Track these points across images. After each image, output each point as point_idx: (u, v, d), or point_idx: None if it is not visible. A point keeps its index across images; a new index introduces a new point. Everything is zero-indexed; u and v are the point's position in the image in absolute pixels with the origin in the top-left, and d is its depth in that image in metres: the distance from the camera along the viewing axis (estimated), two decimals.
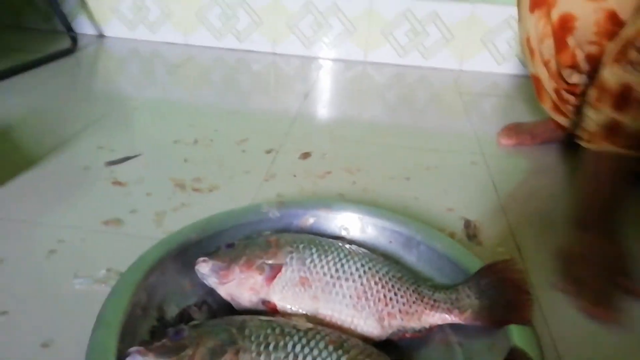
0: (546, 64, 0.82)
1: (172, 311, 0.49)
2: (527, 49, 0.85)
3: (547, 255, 0.62)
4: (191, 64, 1.35)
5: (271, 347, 0.39)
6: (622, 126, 0.62)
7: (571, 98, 0.82)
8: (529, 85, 0.94)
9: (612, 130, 0.63)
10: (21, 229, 0.62)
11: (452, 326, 0.49)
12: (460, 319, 0.48)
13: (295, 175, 0.79)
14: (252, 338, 0.40)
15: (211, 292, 0.51)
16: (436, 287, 0.51)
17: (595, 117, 0.64)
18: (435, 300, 0.49)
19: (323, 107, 1.13)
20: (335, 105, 1.16)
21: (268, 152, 0.86)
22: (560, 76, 0.81)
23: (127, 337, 0.42)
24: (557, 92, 0.84)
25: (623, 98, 0.62)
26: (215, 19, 1.43)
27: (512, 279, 0.49)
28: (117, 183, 0.73)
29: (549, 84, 0.84)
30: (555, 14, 0.76)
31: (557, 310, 0.54)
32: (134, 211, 0.67)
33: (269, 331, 0.41)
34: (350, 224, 0.61)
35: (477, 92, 1.25)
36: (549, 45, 0.79)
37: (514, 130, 0.95)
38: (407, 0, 1.34)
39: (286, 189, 0.74)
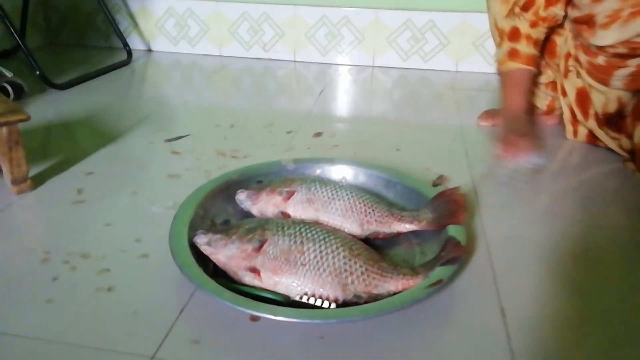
0: None
1: (219, 221, 0.72)
2: (495, 31, 1.05)
3: (496, 190, 0.82)
4: (225, 71, 1.60)
5: (286, 227, 0.61)
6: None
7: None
8: None
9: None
10: (110, 181, 0.86)
11: (413, 233, 0.70)
12: (418, 227, 0.69)
13: (309, 148, 1.01)
14: (274, 224, 0.62)
15: (246, 215, 0.73)
16: (404, 209, 0.72)
17: None
18: (402, 216, 0.70)
19: (335, 101, 1.35)
20: (346, 100, 1.39)
21: (289, 132, 1.09)
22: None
23: (192, 230, 0.64)
24: None
25: None
26: (245, 32, 1.69)
27: (456, 199, 0.70)
28: (174, 152, 0.98)
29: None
30: None
31: (494, 224, 0.74)
32: (188, 169, 0.90)
33: (284, 222, 0.63)
34: (347, 173, 0.83)
35: (470, 89, 1.46)
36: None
37: (490, 113, 1.15)
38: (408, 12, 1.56)
39: (302, 157, 0.97)
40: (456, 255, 0.59)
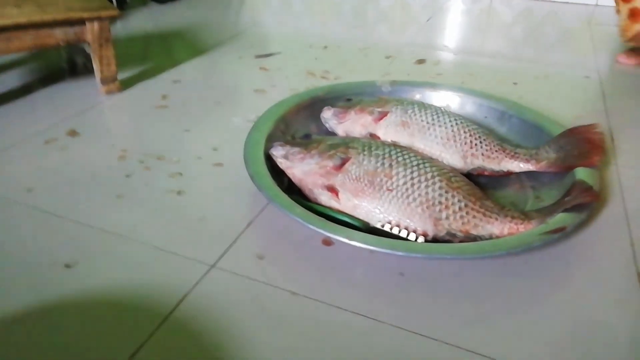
0: None
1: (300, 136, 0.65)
2: None
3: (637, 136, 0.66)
4: None
5: (374, 148, 0.52)
6: None
7: None
8: None
9: None
10: (195, 90, 0.82)
11: (528, 174, 0.57)
12: (535, 167, 0.56)
13: (409, 74, 0.90)
14: (361, 143, 0.53)
15: (331, 135, 0.65)
16: (519, 146, 0.59)
17: None
18: (515, 153, 0.58)
19: (443, 31, 1.19)
20: (456, 31, 1.22)
21: (387, 57, 0.97)
22: None
23: (270, 141, 0.58)
24: None
25: None
26: None
27: (590, 138, 0.56)
28: (263, 69, 0.91)
29: None
30: None
31: (633, 174, 0.59)
32: (274, 86, 0.84)
33: (372, 142, 0.54)
34: (452, 100, 0.71)
35: (611, 25, 1.21)
36: None
37: (635, 51, 0.93)
38: None
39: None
40: (586, 200, 0.47)
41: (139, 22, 1.19)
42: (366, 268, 0.45)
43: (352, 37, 1.11)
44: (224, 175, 0.59)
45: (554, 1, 1.37)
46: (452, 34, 1.19)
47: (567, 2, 1.37)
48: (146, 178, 0.58)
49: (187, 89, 0.82)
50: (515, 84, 0.86)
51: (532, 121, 0.64)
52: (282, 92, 0.81)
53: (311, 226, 0.44)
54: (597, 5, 1.34)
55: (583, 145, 0.55)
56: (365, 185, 0.48)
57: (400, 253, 0.41)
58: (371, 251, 0.43)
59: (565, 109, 0.76)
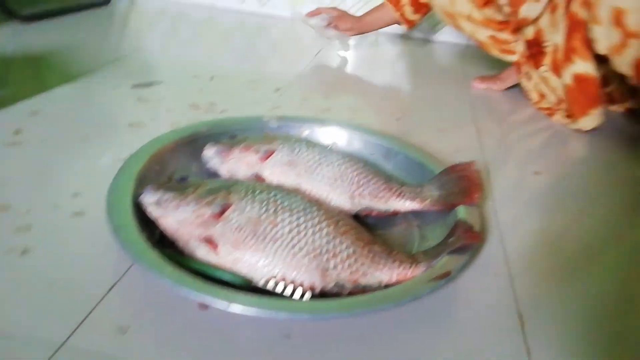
0: (469, 18, 0.97)
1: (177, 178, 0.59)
2: (447, 19, 1.02)
3: (507, 165, 0.70)
4: (213, 24, 1.45)
5: (257, 191, 0.48)
6: None
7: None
8: None
9: None
10: (57, 124, 0.72)
11: (414, 213, 0.58)
12: (420, 206, 0.56)
13: (298, 109, 0.88)
14: (244, 186, 0.49)
15: (213, 176, 0.60)
16: (404, 184, 0.59)
17: None
18: (401, 191, 0.58)
19: (333, 64, 1.21)
20: (345, 64, 1.25)
21: (277, 90, 0.95)
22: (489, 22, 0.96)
23: (141, 186, 0.51)
24: (491, 37, 0.99)
25: None
26: None
27: (468, 176, 0.57)
28: (141, 100, 0.83)
29: (482, 34, 0.99)
30: None
31: (506, 207, 0.62)
32: (153, 119, 0.77)
33: (257, 185, 0.50)
34: (339, 137, 0.70)
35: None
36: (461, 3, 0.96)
37: (485, 77, 1.09)
38: None
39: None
40: (468, 242, 0.47)
41: None
42: (249, 332, 0.40)
43: (241, 68, 1.08)
44: (84, 228, 0.50)
45: (433, 42, 1.48)
46: (340, 68, 1.21)
47: (442, 42, 1.48)
48: None
49: (48, 123, 0.72)
50: (398, 119, 0.88)
51: (416, 158, 0.65)
52: (161, 127, 0.74)
53: (182, 288, 0.38)
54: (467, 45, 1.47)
55: (463, 183, 0.57)
56: (248, 235, 0.44)
57: (284, 316, 0.37)
58: (253, 316, 0.38)
59: (445, 143, 0.79)
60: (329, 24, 1.14)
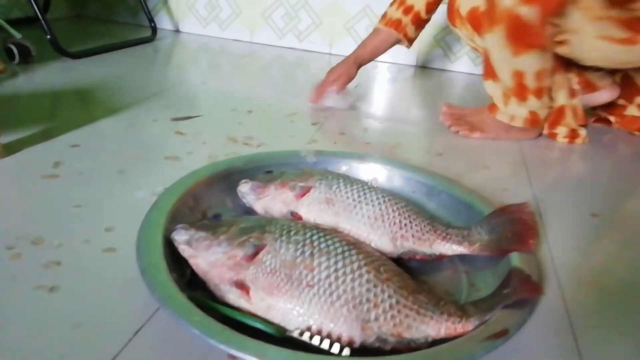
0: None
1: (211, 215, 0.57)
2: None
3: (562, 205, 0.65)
4: (253, 58, 1.47)
5: (293, 232, 0.45)
6: None
7: None
8: None
9: None
10: (96, 157, 0.72)
11: (461, 258, 0.53)
12: (468, 250, 0.52)
13: (335, 143, 0.86)
14: (278, 225, 0.46)
15: (248, 212, 0.58)
16: (450, 225, 0.55)
17: None
18: (447, 234, 0.53)
19: (371, 97, 1.19)
20: (385, 97, 1.23)
21: (314, 124, 0.94)
22: None
23: (174, 222, 0.49)
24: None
25: None
26: (279, 19, 1.56)
27: (522, 218, 0.53)
28: (179, 133, 0.83)
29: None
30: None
31: (563, 245, 0.56)
32: (191, 153, 0.76)
33: (292, 224, 0.47)
34: (379, 173, 0.67)
35: None
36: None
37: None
38: None
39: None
40: (527, 295, 0.42)
41: (46, 77, 1.08)
42: None
43: (279, 102, 1.07)
44: (115, 265, 0.49)
45: (470, 73, 1.45)
46: (380, 101, 1.19)
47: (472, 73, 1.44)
48: (13, 269, 0.47)
49: (87, 155, 0.72)
50: (439, 155, 0.85)
51: (461, 197, 0.60)
52: (198, 160, 0.73)
53: (210, 340, 0.35)
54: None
55: (516, 227, 0.52)
56: (282, 280, 0.41)
57: None
58: None
59: (491, 181, 0.74)
60: (338, 91, 1.02)
